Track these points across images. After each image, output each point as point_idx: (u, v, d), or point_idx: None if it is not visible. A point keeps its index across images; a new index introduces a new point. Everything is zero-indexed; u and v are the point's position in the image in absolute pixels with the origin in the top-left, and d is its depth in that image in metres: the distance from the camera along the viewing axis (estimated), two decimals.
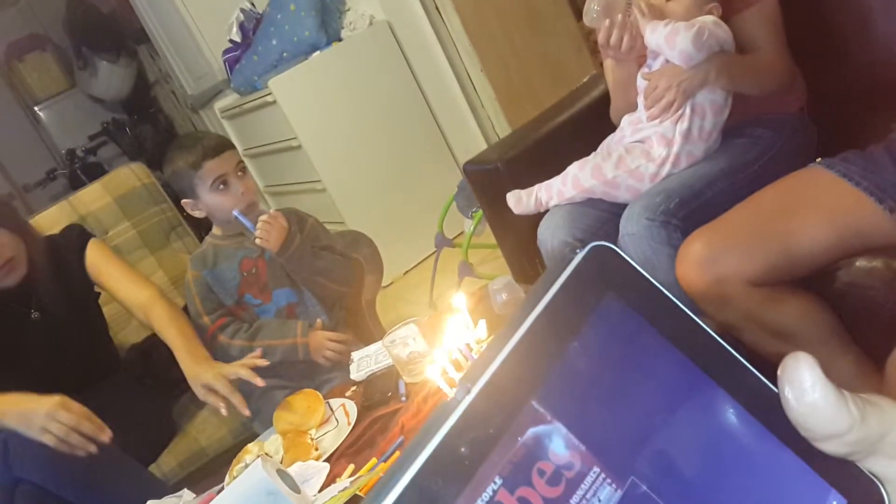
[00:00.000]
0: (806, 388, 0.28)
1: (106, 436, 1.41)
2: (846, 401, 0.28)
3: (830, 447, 0.29)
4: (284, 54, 2.95)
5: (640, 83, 1.49)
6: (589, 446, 0.27)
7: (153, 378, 1.92)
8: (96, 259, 1.70)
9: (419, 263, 3.11)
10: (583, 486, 0.27)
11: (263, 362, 1.53)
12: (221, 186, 1.62)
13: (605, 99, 1.68)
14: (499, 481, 0.25)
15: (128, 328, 2.09)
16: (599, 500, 0.27)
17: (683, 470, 0.29)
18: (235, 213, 1.61)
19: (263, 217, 1.61)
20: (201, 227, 2.32)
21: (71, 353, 1.69)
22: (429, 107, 3.05)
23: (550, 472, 0.26)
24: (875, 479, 0.30)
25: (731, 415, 0.30)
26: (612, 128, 1.60)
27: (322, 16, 2.94)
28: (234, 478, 1.28)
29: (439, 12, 2.83)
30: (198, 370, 1.52)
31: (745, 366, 0.31)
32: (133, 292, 1.68)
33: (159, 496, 1.42)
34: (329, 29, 2.96)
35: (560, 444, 0.27)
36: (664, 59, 1.45)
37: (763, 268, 1.16)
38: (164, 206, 2.27)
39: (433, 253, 2.80)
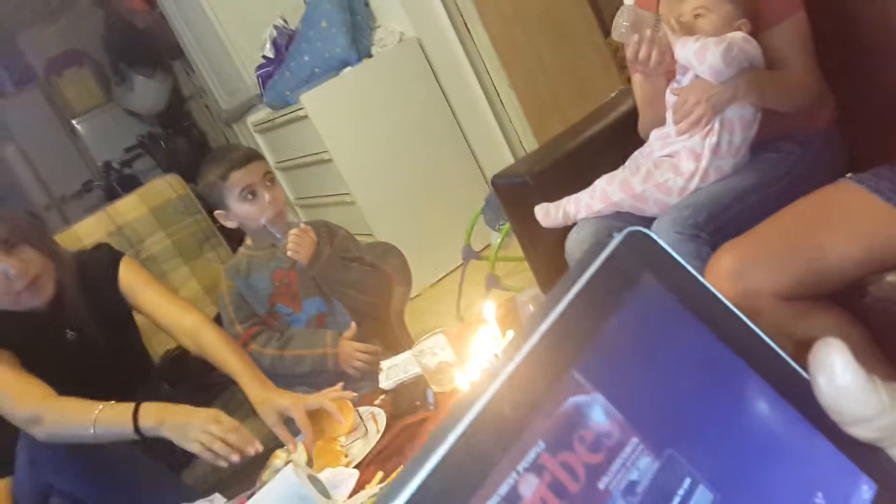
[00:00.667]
0: (837, 371, 0.29)
1: (253, 448, 1.38)
2: (876, 386, 0.29)
3: (860, 431, 0.29)
4: (316, 70, 3.01)
5: (669, 98, 1.50)
6: (628, 417, 0.28)
7: (188, 384, 1.96)
8: (131, 281, 1.71)
9: (446, 276, 3.13)
10: (622, 454, 0.28)
11: (350, 394, 1.49)
12: (249, 196, 1.66)
13: (633, 114, 1.69)
14: (542, 445, 0.26)
15: (161, 334, 2.13)
16: (638, 469, 0.28)
17: (719, 447, 0.30)
18: (263, 221, 1.64)
19: (294, 231, 1.64)
20: (233, 239, 2.36)
21: (108, 368, 1.70)
22: (457, 121, 3.08)
23: (591, 439, 0.27)
24: None
25: (764, 398, 0.31)
26: (640, 142, 1.61)
27: (353, 32, 2.99)
28: (265, 483, 1.31)
29: (468, 29, 2.86)
30: (270, 395, 1.49)
31: (777, 352, 0.31)
32: (177, 318, 1.66)
33: (190, 500, 1.45)
34: (360, 45, 3.01)
35: (600, 414, 0.28)
36: (693, 75, 1.46)
37: (792, 282, 1.16)
38: (198, 217, 2.31)
39: (460, 265, 2.81)
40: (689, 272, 0.32)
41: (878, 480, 0.31)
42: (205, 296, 2.25)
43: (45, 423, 1.44)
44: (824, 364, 0.29)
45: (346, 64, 2.98)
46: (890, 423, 0.29)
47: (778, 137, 1.50)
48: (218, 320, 1.90)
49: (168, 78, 5.08)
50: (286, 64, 3.08)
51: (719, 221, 1.36)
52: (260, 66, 3.23)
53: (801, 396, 0.31)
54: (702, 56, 1.41)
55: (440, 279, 3.14)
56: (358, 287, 1.74)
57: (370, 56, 3.03)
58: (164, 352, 2.09)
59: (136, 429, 1.41)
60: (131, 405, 1.43)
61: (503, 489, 0.25)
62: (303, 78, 3.03)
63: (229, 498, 1.41)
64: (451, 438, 0.25)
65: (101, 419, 1.42)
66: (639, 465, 0.28)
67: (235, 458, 1.36)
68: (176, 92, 5.20)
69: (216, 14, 3.24)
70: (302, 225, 1.68)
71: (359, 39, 3.01)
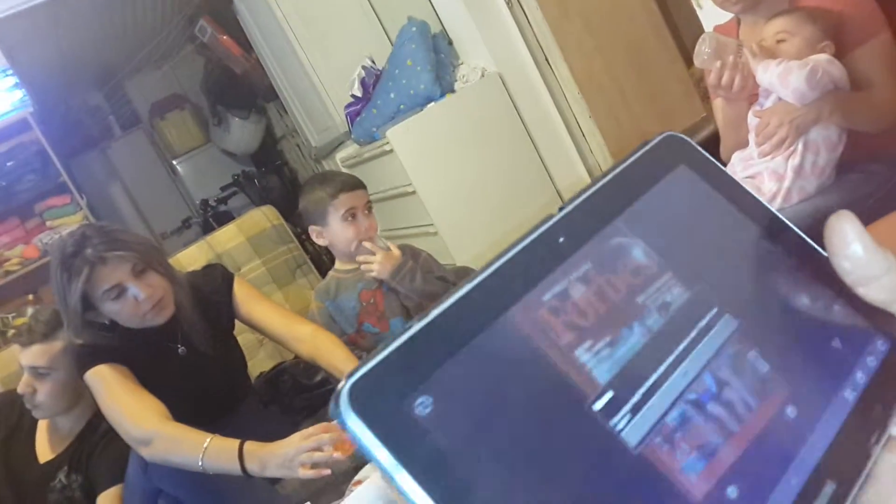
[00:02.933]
0: (848, 238, 0.33)
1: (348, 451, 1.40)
2: (883, 249, 0.33)
3: (872, 292, 0.33)
4: (401, 106, 3.12)
5: (752, 121, 1.51)
6: (663, 258, 0.34)
7: (279, 405, 2.04)
8: (245, 296, 1.82)
9: None
10: (658, 282, 0.33)
11: None
12: (350, 218, 1.76)
13: (714, 139, 1.71)
14: (590, 264, 0.32)
15: (256, 358, 2.24)
16: (671, 294, 0.33)
17: (744, 291, 0.35)
18: (354, 244, 1.75)
19: (377, 250, 1.71)
20: (322, 270, 2.47)
21: (214, 384, 1.79)
22: (538, 152, 3.13)
23: (631, 267, 0.33)
24: None
25: (784, 263, 0.36)
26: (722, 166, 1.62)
27: (437, 70, 3.09)
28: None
29: (549, 63, 2.93)
30: None
31: (799, 233, 0.37)
32: (293, 326, 1.76)
33: None
34: (443, 82, 3.11)
35: (640, 253, 0.34)
36: (776, 98, 1.47)
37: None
38: (291, 246, 2.44)
39: None
40: (719, 167, 0.38)
41: (889, 340, 0.34)
42: None
43: (154, 446, 1.51)
44: (837, 232, 0.33)
45: (430, 100, 3.08)
46: None
47: (863, 158, 1.48)
48: None
49: (262, 119, 5.34)
50: (373, 101, 3.21)
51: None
52: (348, 105, 3.37)
53: (818, 269, 0.35)
54: (785, 79, 1.41)
55: None
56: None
57: (453, 92, 3.12)
58: (259, 374, 2.19)
59: (244, 470, 1.45)
60: (236, 443, 1.47)
61: (557, 289, 0.31)
62: (388, 114, 3.14)
63: None
64: (513, 251, 0.31)
65: (210, 453, 1.47)
66: (672, 291, 0.33)
67: (339, 454, 1.39)
68: (269, 132, 5.45)
69: (309, 58, 3.42)
70: (389, 244, 1.75)
71: (442, 76, 3.11)
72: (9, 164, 3.94)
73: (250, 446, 1.46)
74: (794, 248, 0.36)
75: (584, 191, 0.34)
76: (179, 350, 1.75)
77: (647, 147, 0.37)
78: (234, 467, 1.45)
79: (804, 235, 0.37)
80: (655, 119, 2.87)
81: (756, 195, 0.38)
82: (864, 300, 0.34)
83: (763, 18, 1.57)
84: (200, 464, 1.47)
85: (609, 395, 0.30)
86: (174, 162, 5.76)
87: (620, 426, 0.29)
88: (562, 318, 0.30)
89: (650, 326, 0.32)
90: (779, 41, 1.50)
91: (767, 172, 1.46)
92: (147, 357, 1.67)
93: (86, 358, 1.63)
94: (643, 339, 0.31)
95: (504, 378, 0.29)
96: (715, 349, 0.32)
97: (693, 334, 0.32)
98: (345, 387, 0.26)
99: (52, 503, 1.83)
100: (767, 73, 1.45)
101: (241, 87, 4.94)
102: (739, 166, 1.53)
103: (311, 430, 1.43)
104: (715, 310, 0.33)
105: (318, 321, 1.82)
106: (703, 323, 0.33)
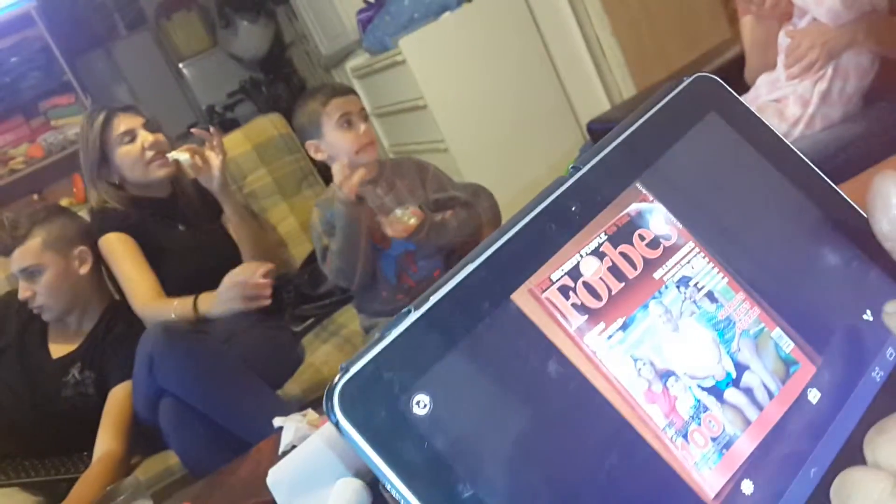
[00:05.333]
0: (892, 200, 0.30)
1: (265, 268, 1.72)
2: None
3: None
4: (415, 15, 3.01)
5: (782, 41, 1.45)
6: (686, 225, 0.31)
7: (283, 312, 2.05)
8: None
9: None
10: (679, 254, 0.31)
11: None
12: (346, 125, 1.71)
13: (738, 61, 1.64)
14: (604, 237, 0.30)
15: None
16: (693, 268, 0.31)
17: (772, 261, 0.32)
18: (355, 151, 1.70)
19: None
20: (329, 182, 2.42)
21: (213, 266, 1.81)
22: (555, 69, 3.03)
23: (650, 238, 0.31)
24: None
25: (820, 228, 0.34)
26: (746, 90, 1.56)
27: None
28: None
29: None
30: None
31: (837, 191, 0.34)
32: None
33: (286, 414, 1.53)
34: None
35: (660, 220, 0.31)
36: (810, 18, 1.40)
37: None
38: (298, 156, 2.39)
39: None
40: (753, 114, 0.35)
41: None
42: (301, 233, 2.33)
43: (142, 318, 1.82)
44: (880, 194, 0.30)
45: (445, 8, 2.97)
46: None
47: (892, 88, 1.42)
48: (312, 258, 2.00)
49: (271, 23, 5.18)
50: (386, 8, 3.10)
51: (823, 170, 1.32)
52: (361, 11, 3.26)
53: (857, 231, 0.33)
54: None
55: None
56: (458, 238, 1.78)
57: (470, 1, 3.01)
58: None
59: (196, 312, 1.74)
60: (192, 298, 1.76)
61: (567, 266, 0.29)
62: (402, 23, 3.04)
63: (321, 413, 1.48)
64: (524, 221, 0.29)
65: (176, 311, 1.76)
66: (693, 264, 0.31)
67: (267, 291, 1.70)
68: (278, 38, 5.30)
69: None
70: (410, 209, 1.70)
71: None
72: (12, 59, 3.86)
73: (204, 296, 1.76)
74: (830, 208, 0.34)
75: (600, 148, 0.31)
76: (180, 228, 1.94)
77: (673, 92, 0.33)
78: (189, 311, 1.75)
79: (843, 194, 0.34)
80: (679, 38, 2.76)
81: (794, 148, 0.34)
82: None
83: None
84: (173, 315, 1.76)
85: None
86: (180, 65, 5.63)
87: None
88: (571, 300, 0.28)
89: (668, 306, 0.30)
90: None
91: (793, 97, 1.41)
92: (151, 228, 1.88)
93: (102, 223, 1.88)
94: (659, 321, 0.29)
95: (507, 370, 0.27)
96: (737, 328, 0.30)
97: (714, 311, 0.30)
98: (336, 386, 0.25)
99: (65, 397, 1.86)
100: None
101: None
102: (765, 89, 1.48)
103: (244, 269, 1.72)
104: (740, 283, 0.31)
105: (319, 229, 1.78)
106: (725, 299, 0.30)
